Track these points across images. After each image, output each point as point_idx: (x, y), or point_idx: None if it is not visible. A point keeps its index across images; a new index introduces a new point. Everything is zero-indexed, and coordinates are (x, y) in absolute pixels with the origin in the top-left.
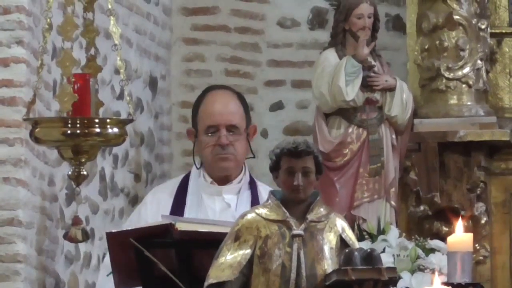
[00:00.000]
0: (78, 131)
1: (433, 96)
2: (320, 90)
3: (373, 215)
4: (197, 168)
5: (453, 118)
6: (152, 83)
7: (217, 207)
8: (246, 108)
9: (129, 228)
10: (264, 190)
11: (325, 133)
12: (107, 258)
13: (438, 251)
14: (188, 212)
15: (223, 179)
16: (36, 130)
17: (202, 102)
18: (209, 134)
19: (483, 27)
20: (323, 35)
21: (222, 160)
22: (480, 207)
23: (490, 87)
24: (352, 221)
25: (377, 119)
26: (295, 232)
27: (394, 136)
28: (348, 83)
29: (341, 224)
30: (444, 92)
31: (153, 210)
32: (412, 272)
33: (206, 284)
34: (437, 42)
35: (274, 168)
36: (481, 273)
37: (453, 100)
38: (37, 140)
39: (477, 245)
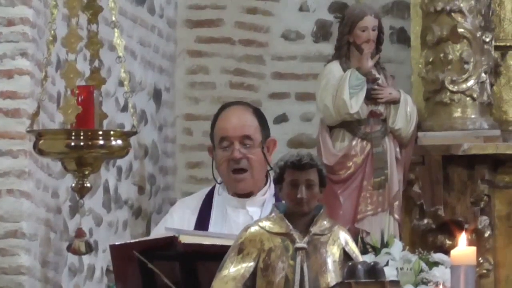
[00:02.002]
0: (82, 143)
1: (437, 109)
2: (324, 103)
3: (377, 228)
4: (218, 183)
5: (457, 131)
6: (156, 95)
7: (240, 220)
8: (263, 122)
9: (133, 241)
10: None
11: (329, 146)
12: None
13: (442, 264)
14: (213, 227)
15: (245, 193)
16: (40, 142)
17: (218, 118)
18: (224, 149)
19: (487, 40)
20: (327, 48)
21: (237, 181)
22: (484, 220)
23: (494, 100)
24: (355, 234)
25: (381, 132)
26: (299, 245)
27: (398, 149)
28: (352, 95)
29: (344, 237)
30: (448, 105)
31: (179, 222)
32: (416, 285)
33: None
34: (442, 55)
35: (278, 180)
36: (484, 286)
37: (457, 113)
38: (41, 152)
39: (480, 258)
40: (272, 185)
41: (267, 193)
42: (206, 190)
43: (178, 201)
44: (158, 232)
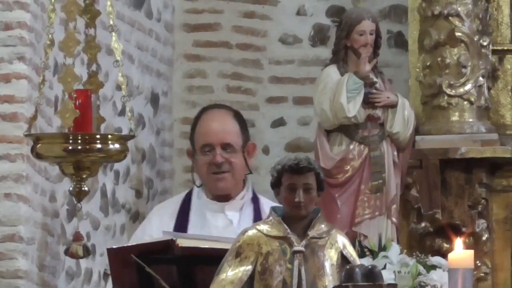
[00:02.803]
0: (80, 147)
1: (435, 113)
2: (322, 107)
3: (374, 231)
4: (197, 187)
5: (455, 135)
6: (154, 99)
7: (219, 224)
8: (244, 126)
9: (130, 244)
10: (267, 206)
11: (326, 150)
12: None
13: (439, 267)
14: (192, 231)
15: (223, 197)
16: (38, 146)
17: (198, 121)
18: (205, 153)
19: (485, 44)
20: (325, 52)
21: (218, 180)
22: (481, 224)
23: (492, 104)
24: (353, 238)
25: (379, 136)
26: (296, 248)
27: (395, 153)
28: (350, 99)
29: (342, 240)
30: (446, 109)
31: (158, 227)
32: None
33: None
34: (439, 59)
35: (276, 184)
36: None
37: (455, 117)
38: (38, 156)
39: (478, 262)
40: (251, 189)
41: (245, 197)
42: (182, 194)
43: (155, 207)
44: (136, 238)
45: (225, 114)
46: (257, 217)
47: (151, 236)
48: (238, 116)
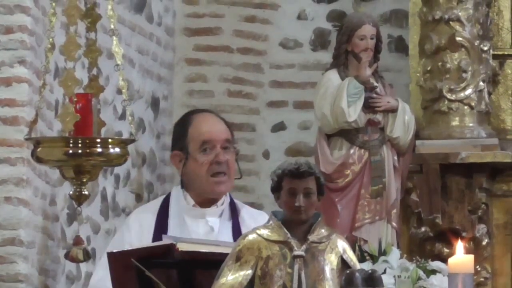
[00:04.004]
0: (80, 151)
1: (435, 117)
2: (322, 111)
3: (375, 236)
4: (181, 188)
5: (455, 139)
6: (154, 103)
7: (200, 230)
8: (231, 130)
9: (131, 248)
10: (245, 211)
11: (327, 154)
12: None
13: (439, 272)
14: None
15: (207, 202)
16: (38, 149)
17: (191, 123)
18: (205, 152)
19: (485, 49)
20: (326, 56)
21: (217, 184)
22: (481, 228)
23: (492, 109)
24: (353, 242)
25: (379, 141)
26: (296, 253)
27: (396, 158)
28: (350, 104)
29: (342, 245)
30: (446, 113)
31: (137, 234)
32: None
33: None
34: (440, 64)
35: (276, 189)
36: None
37: (455, 122)
38: (39, 159)
39: (478, 266)
40: (228, 194)
41: (225, 203)
42: (160, 199)
43: (133, 212)
44: (114, 244)
45: (216, 116)
46: (235, 223)
47: (130, 243)
48: (225, 121)
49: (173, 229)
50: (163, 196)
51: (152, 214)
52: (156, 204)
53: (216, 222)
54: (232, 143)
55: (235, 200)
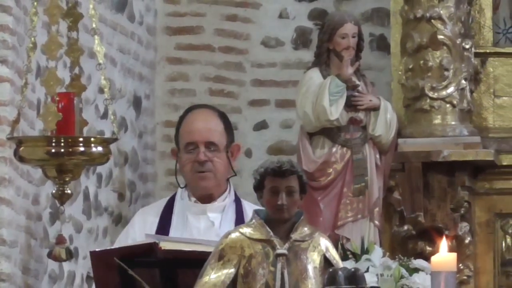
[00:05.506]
0: (62, 150)
1: (417, 116)
2: (304, 110)
3: (357, 234)
4: (181, 188)
5: (437, 138)
6: (136, 103)
7: (201, 225)
8: (228, 126)
9: (113, 247)
10: (249, 209)
11: (309, 153)
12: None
13: (422, 270)
14: (174, 232)
15: (206, 198)
16: (20, 149)
17: (183, 120)
18: (189, 151)
19: (467, 47)
20: (307, 55)
21: (201, 179)
22: (464, 227)
23: (474, 107)
24: (336, 241)
25: (361, 139)
26: (279, 251)
27: (378, 156)
28: (332, 102)
29: (325, 243)
30: (428, 112)
31: (141, 230)
32: None
33: None
34: (421, 62)
35: (258, 187)
36: None
37: (437, 120)
38: (21, 159)
39: (461, 265)
40: (233, 191)
41: (227, 199)
42: (167, 197)
43: (139, 210)
44: (120, 242)
45: (210, 113)
46: (240, 219)
47: (134, 239)
48: (223, 117)
49: (176, 225)
50: (170, 195)
51: (157, 211)
52: (162, 203)
53: (217, 217)
54: (223, 142)
55: (241, 198)
